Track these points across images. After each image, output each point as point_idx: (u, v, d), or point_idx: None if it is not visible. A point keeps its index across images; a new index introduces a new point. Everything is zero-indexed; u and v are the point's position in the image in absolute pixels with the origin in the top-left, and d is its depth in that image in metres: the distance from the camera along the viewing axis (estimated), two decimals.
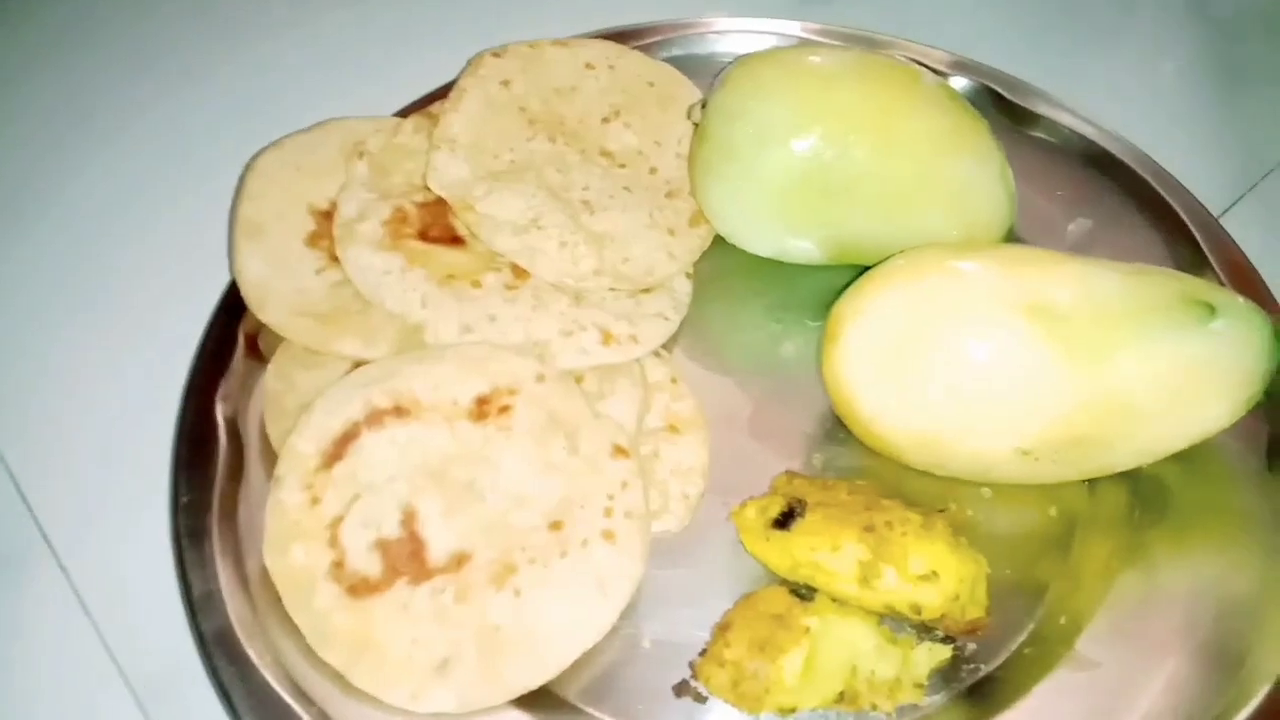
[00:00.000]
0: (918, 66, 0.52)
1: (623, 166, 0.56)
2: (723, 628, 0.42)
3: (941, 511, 0.44)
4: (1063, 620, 0.44)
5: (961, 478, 0.46)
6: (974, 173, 0.50)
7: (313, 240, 0.51)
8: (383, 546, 0.43)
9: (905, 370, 0.43)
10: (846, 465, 0.48)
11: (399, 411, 0.45)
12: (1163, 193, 0.55)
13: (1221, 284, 0.51)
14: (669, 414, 0.50)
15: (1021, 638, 0.44)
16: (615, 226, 0.53)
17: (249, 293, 0.49)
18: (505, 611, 0.42)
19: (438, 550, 0.43)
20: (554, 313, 0.50)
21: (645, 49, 0.60)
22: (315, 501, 0.43)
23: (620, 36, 0.60)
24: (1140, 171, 0.56)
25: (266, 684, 0.41)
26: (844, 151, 0.48)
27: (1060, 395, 0.42)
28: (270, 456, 0.46)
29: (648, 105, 0.58)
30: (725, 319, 0.54)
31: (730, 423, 0.50)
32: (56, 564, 0.49)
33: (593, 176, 0.54)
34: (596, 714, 0.42)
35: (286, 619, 0.42)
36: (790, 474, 0.46)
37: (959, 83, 0.60)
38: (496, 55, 0.57)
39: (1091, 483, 0.47)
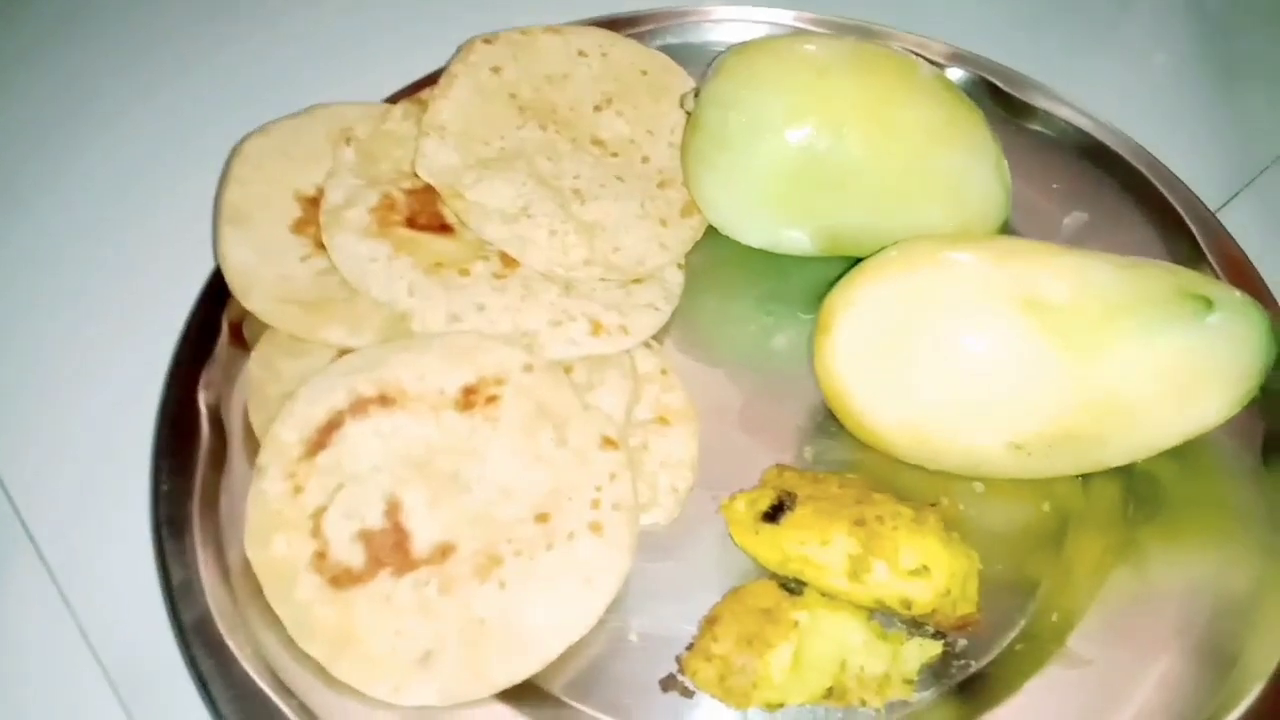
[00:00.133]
0: (914, 57, 0.51)
1: (614, 155, 0.55)
2: (710, 622, 0.41)
3: (933, 506, 0.43)
4: (1055, 617, 0.43)
5: (954, 472, 0.45)
6: (969, 165, 0.49)
7: (299, 227, 0.51)
8: (366, 537, 0.42)
9: (897, 362, 0.43)
10: (838, 459, 0.48)
11: (384, 401, 0.45)
12: (1159, 187, 0.55)
13: (1218, 279, 0.50)
14: (659, 406, 0.49)
15: (1013, 634, 0.43)
16: (606, 216, 0.52)
17: (233, 279, 0.49)
18: (490, 604, 0.41)
19: (422, 542, 0.42)
20: (543, 302, 0.49)
21: (639, 37, 0.60)
22: (298, 491, 0.43)
23: (613, 24, 0.60)
24: (1137, 165, 0.55)
25: (246, 676, 0.40)
26: (838, 141, 0.47)
27: (1054, 389, 0.41)
28: (253, 445, 0.46)
29: (640, 94, 0.57)
30: (717, 310, 0.53)
31: (721, 415, 0.49)
32: (36, 553, 0.48)
33: (584, 165, 0.54)
34: (582, 708, 0.42)
35: (268, 610, 0.41)
36: (780, 467, 0.46)
37: (955, 74, 0.59)
38: (487, 41, 0.56)
39: (1085, 478, 0.46)
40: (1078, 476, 0.46)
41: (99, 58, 0.67)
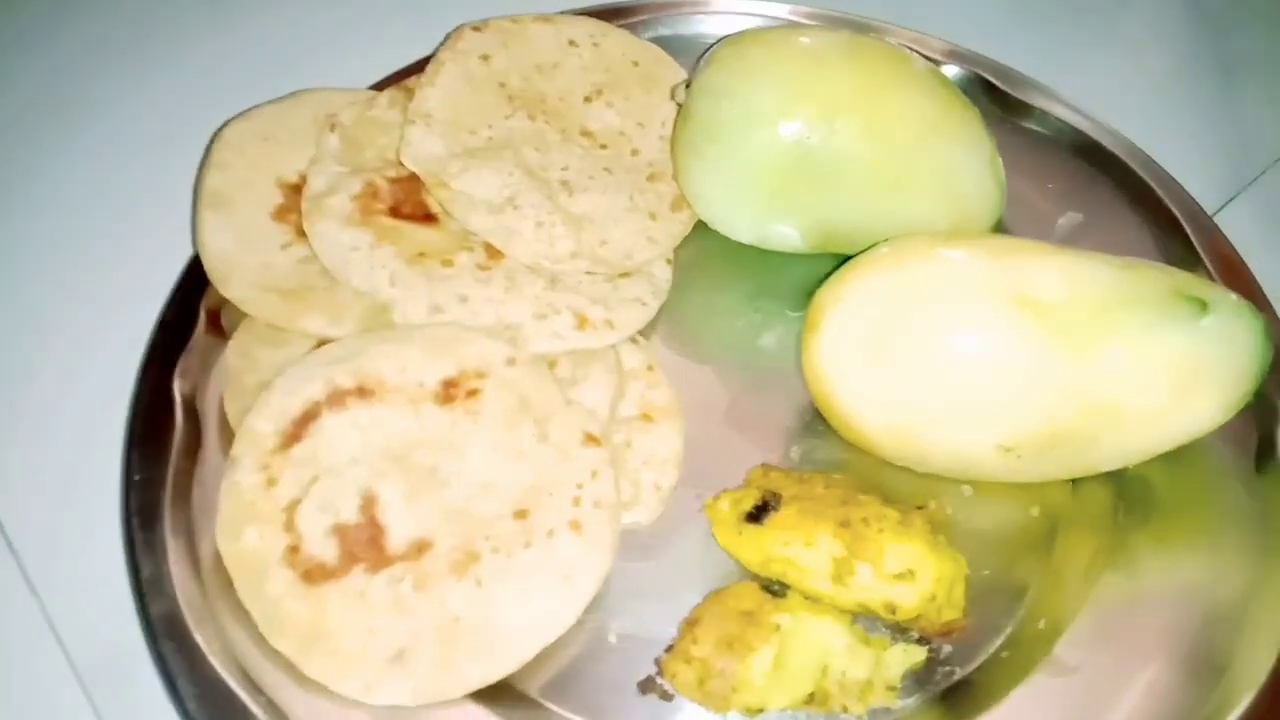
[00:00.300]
0: (908, 51, 0.50)
1: (604, 147, 0.54)
2: (691, 623, 0.40)
3: (920, 508, 0.43)
4: (1042, 624, 0.43)
5: (942, 474, 0.45)
6: (963, 161, 0.48)
7: (280, 214, 0.50)
8: (340, 532, 0.41)
9: (885, 360, 0.42)
10: (825, 459, 0.47)
11: (362, 392, 0.44)
12: (1156, 188, 0.54)
13: (1213, 281, 0.49)
14: (644, 402, 0.48)
15: (999, 641, 0.43)
16: (594, 208, 0.51)
17: (211, 266, 0.48)
18: (465, 602, 0.40)
19: (397, 537, 0.41)
20: (528, 295, 0.48)
21: (631, 27, 0.59)
22: (272, 483, 0.42)
23: (605, 14, 0.58)
24: (1133, 165, 0.55)
25: (214, 671, 0.39)
26: (830, 134, 0.47)
27: (1044, 390, 0.40)
28: (229, 436, 0.45)
29: (631, 85, 0.56)
30: (705, 307, 0.52)
31: (707, 413, 0.48)
32: (5, 543, 0.47)
33: (572, 156, 0.53)
34: (559, 710, 0.41)
35: (238, 605, 0.40)
36: (766, 467, 0.45)
37: (951, 71, 0.58)
38: (477, 29, 0.55)
39: (1075, 482, 0.46)
40: (1068, 480, 0.46)
41: (84, 43, 0.66)
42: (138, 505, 0.43)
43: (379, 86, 0.55)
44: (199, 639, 0.40)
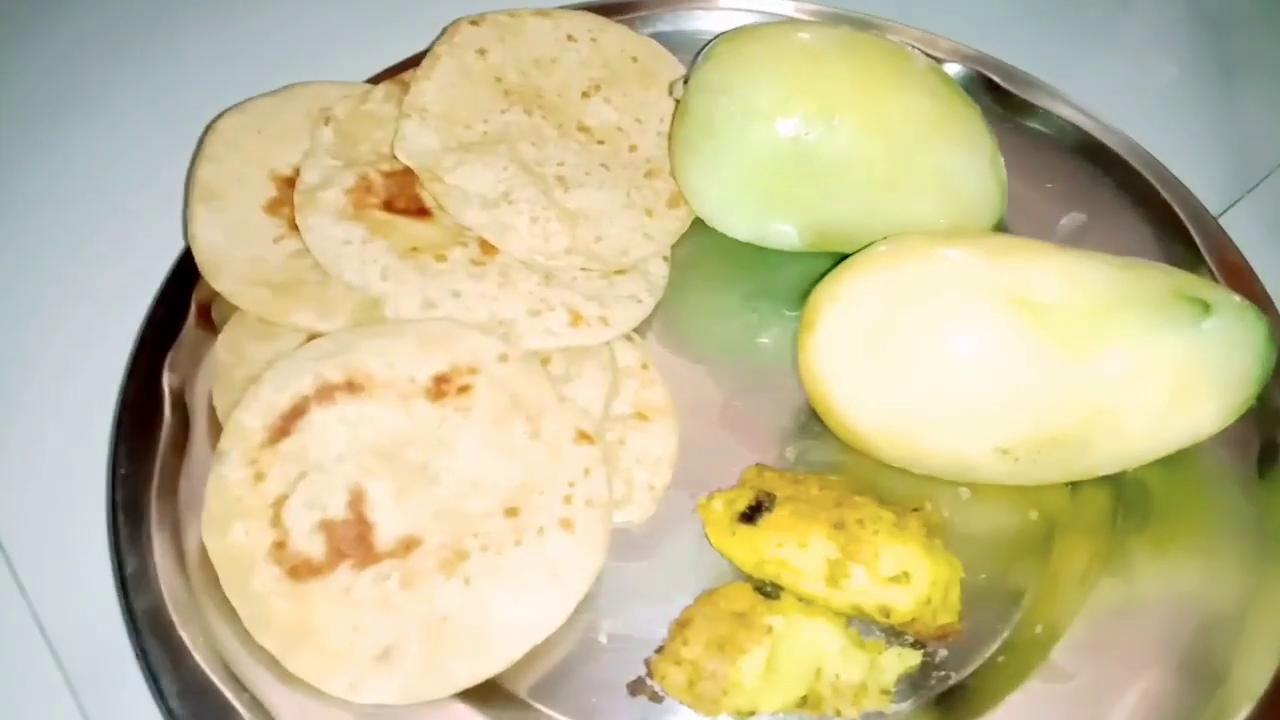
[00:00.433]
0: (909, 48, 0.50)
1: (601, 143, 0.54)
2: (682, 624, 0.40)
3: (916, 511, 0.42)
4: (1038, 629, 0.42)
5: (939, 476, 0.44)
6: (963, 160, 0.48)
7: (273, 207, 0.49)
8: (328, 528, 0.41)
9: (882, 360, 0.41)
10: (820, 460, 0.46)
11: (352, 387, 0.43)
12: (1159, 188, 0.53)
13: (1217, 283, 0.49)
14: (638, 401, 0.48)
15: (995, 645, 0.42)
16: (590, 204, 0.51)
17: (202, 259, 0.47)
18: (453, 600, 0.40)
19: (386, 534, 0.41)
20: (522, 291, 0.48)
21: (630, 23, 0.58)
22: (259, 479, 0.41)
23: (604, 9, 0.58)
24: (1137, 166, 0.54)
25: (198, 668, 0.39)
26: (828, 131, 0.46)
27: (1043, 392, 0.40)
28: (217, 431, 0.44)
29: (630, 81, 0.56)
30: (701, 305, 0.52)
31: (702, 412, 0.48)
32: None
33: (569, 152, 0.52)
34: (548, 711, 0.40)
35: (224, 601, 0.40)
36: (761, 467, 0.44)
37: (953, 70, 0.58)
38: (474, 23, 0.54)
39: (1074, 486, 0.45)
40: (1066, 484, 0.45)
41: (79, 36, 0.65)
42: (124, 499, 0.42)
43: (375, 80, 0.55)
44: (183, 635, 0.39)
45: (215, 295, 0.47)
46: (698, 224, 0.52)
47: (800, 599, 0.41)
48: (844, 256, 0.45)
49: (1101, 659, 0.41)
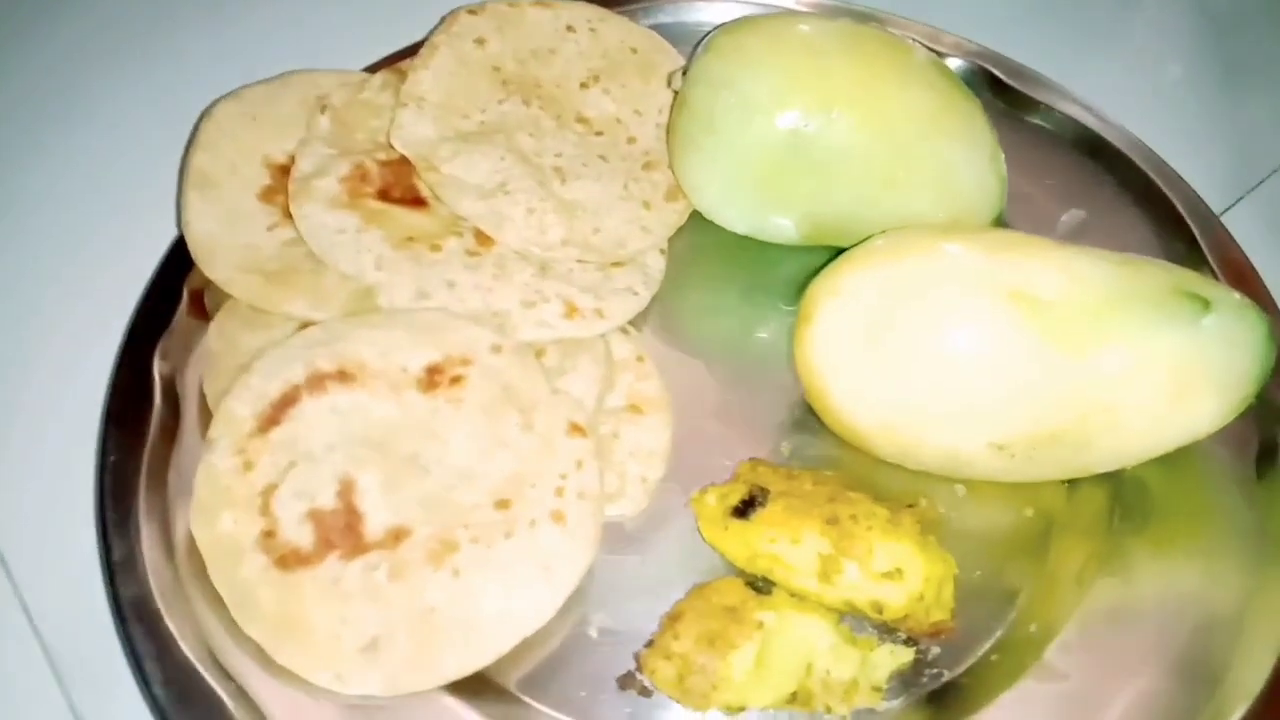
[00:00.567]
0: (909, 41, 0.49)
1: (599, 135, 0.53)
2: (672, 618, 0.39)
3: (910, 507, 0.42)
4: (1033, 628, 0.42)
5: (935, 473, 0.44)
6: (963, 155, 0.47)
7: (267, 195, 0.49)
8: (316, 518, 0.40)
9: (878, 354, 0.41)
10: (816, 455, 0.46)
11: (343, 377, 0.43)
12: (1161, 185, 0.53)
13: (1217, 281, 0.48)
14: (632, 393, 0.47)
15: (988, 644, 0.42)
16: (587, 196, 0.51)
17: (195, 247, 0.47)
18: (442, 592, 0.39)
19: (375, 524, 0.40)
20: (516, 282, 0.47)
21: (630, 14, 0.58)
22: (248, 467, 0.41)
23: (604, 0, 0.57)
24: (1138, 162, 0.53)
25: (183, 656, 0.38)
26: (827, 125, 0.46)
27: (1040, 388, 0.39)
28: (208, 419, 0.44)
29: (629, 72, 0.55)
30: (698, 298, 0.51)
31: (697, 406, 0.47)
32: None
33: (567, 143, 0.52)
34: (536, 705, 0.40)
35: (211, 590, 0.39)
36: (755, 461, 0.44)
37: (955, 63, 0.57)
38: (472, 13, 0.54)
39: (1071, 484, 0.45)
40: (1064, 482, 0.45)
41: (75, 24, 0.65)
42: (112, 486, 0.42)
43: (372, 69, 0.54)
44: (169, 623, 0.39)
45: (208, 283, 0.47)
46: (696, 217, 0.52)
47: (792, 594, 0.40)
48: (842, 251, 0.44)
49: (1096, 659, 0.41)
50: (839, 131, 0.46)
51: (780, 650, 0.39)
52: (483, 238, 0.48)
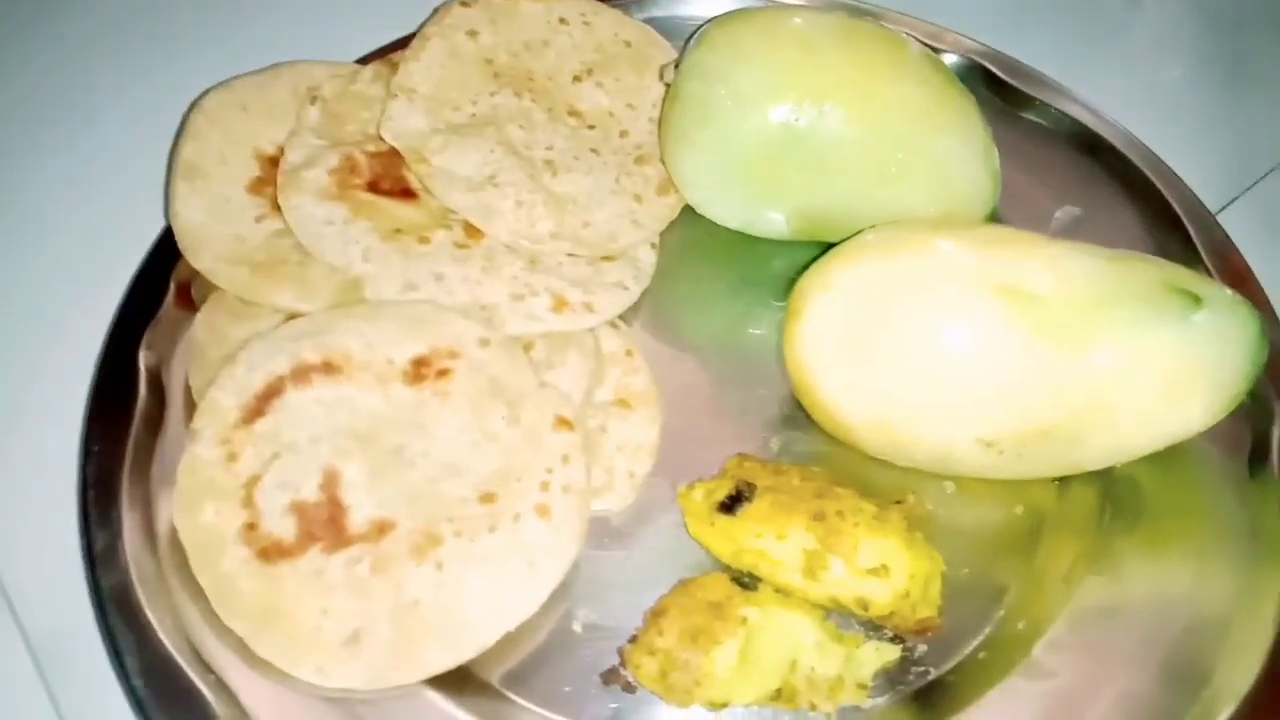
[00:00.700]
0: (904, 36, 0.49)
1: (591, 128, 0.53)
2: (656, 614, 0.39)
3: (899, 503, 0.41)
4: (1021, 626, 0.41)
5: (924, 469, 0.43)
6: (956, 149, 0.47)
7: (256, 186, 0.49)
8: (299, 510, 0.40)
9: (866, 349, 0.40)
10: (805, 451, 0.46)
11: (328, 368, 0.43)
12: (1156, 183, 0.52)
13: (1212, 278, 0.48)
14: (621, 388, 0.47)
15: (976, 641, 0.41)
16: (578, 189, 0.50)
17: (183, 237, 0.47)
18: (425, 586, 0.39)
19: (358, 517, 0.40)
20: (505, 276, 0.47)
21: (624, 7, 0.57)
22: (232, 458, 0.41)
23: None
24: (1133, 159, 0.53)
25: (163, 648, 0.38)
26: (819, 119, 0.45)
27: (1029, 384, 0.39)
28: (193, 410, 0.43)
29: (623, 66, 0.55)
30: (689, 293, 0.51)
31: (686, 401, 0.47)
32: None
33: (558, 136, 0.52)
34: (520, 700, 0.40)
35: (192, 581, 0.39)
36: (743, 457, 0.44)
37: (950, 59, 0.57)
38: (465, 4, 0.54)
39: (1062, 482, 0.44)
40: (1054, 480, 0.44)
41: (64, 12, 0.65)
42: (95, 476, 0.42)
43: (364, 61, 0.54)
44: (149, 614, 0.39)
45: (195, 274, 0.47)
46: (688, 211, 0.51)
47: (778, 590, 0.40)
48: (833, 246, 0.44)
49: (1084, 657, 0.40)
50: (832, 126, 0.46)
51: (764, 646, 0.38)
52: (472, 230, 0.48)
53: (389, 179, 0.49)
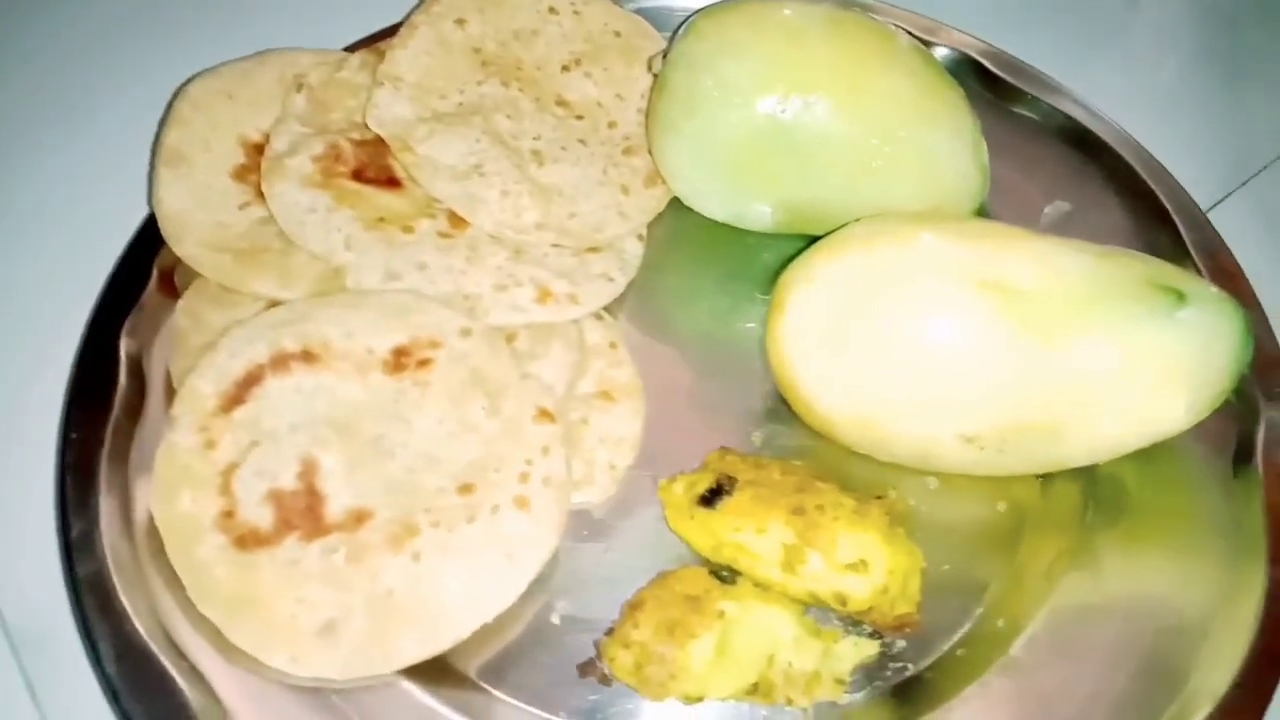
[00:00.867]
0: (894, 28, 0.49)
1: (579, 118, 0.53)
2: (633, 606, 0.39)
3: (879, 498, 0.41)
4: (1000, 623, 0.41)
5: (905, 464, 0.43)
6: (944, 142, 0.47)
7: (240, 173, 0.49)
8: (276, 498, 0.40)
9: (847, 342, 0.40)
10: (787, 445, 0.45)
11: (308, 357, 0.42)
12: (1147, 179, 0.52)
13: (1200, 276, 0.48)
14: (604, 380, 0.47)
15: (955, 638, 0.41)
16: (564, 180, 0.50)
17: (166, 224, 0.47)
18: (400, 576, 0.39)
19: (335, 506, 0.40)
20: (489, 266, 0.47)
21: None
22: (210, 446, 0.41)
23: None
24: (1124, 154, 0.53)
25: (137, 635, 0.38)
26: (806, 109, 0.45)
27: (1012, 380, 0.39)
28: (173, 398, 0.43)
29: (612, 56, 0.55)
30: (675, 286, 0.51)
31: (669, 394, 0.47)
32: None
33: (545, 126, 0.51)
34: (495, 692, 0.40)
35: (169, 568, 0.39)
36: (724, 450, 0.44)
37: (940, 52, 0.56)
38: None
39: (1045, 478, 0.44)
40: (1037, 477, 0.44)
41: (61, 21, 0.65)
42: (73, 463, 0.42)
43: (351, 49, 0.54)
44: (125, 602, 0.39)
45: (178, 261, 0.46)
46: (675, 204, 0.51)
47: (757, 584, 0.40)
48: (818, 238, 0.44)
49: (1063, 655, 0.40)
50: (819, 116, 0.45)
51: (741, 640, 0.38)
52: (456, 220, 0.48)
53: (374, 167, 0.49)
